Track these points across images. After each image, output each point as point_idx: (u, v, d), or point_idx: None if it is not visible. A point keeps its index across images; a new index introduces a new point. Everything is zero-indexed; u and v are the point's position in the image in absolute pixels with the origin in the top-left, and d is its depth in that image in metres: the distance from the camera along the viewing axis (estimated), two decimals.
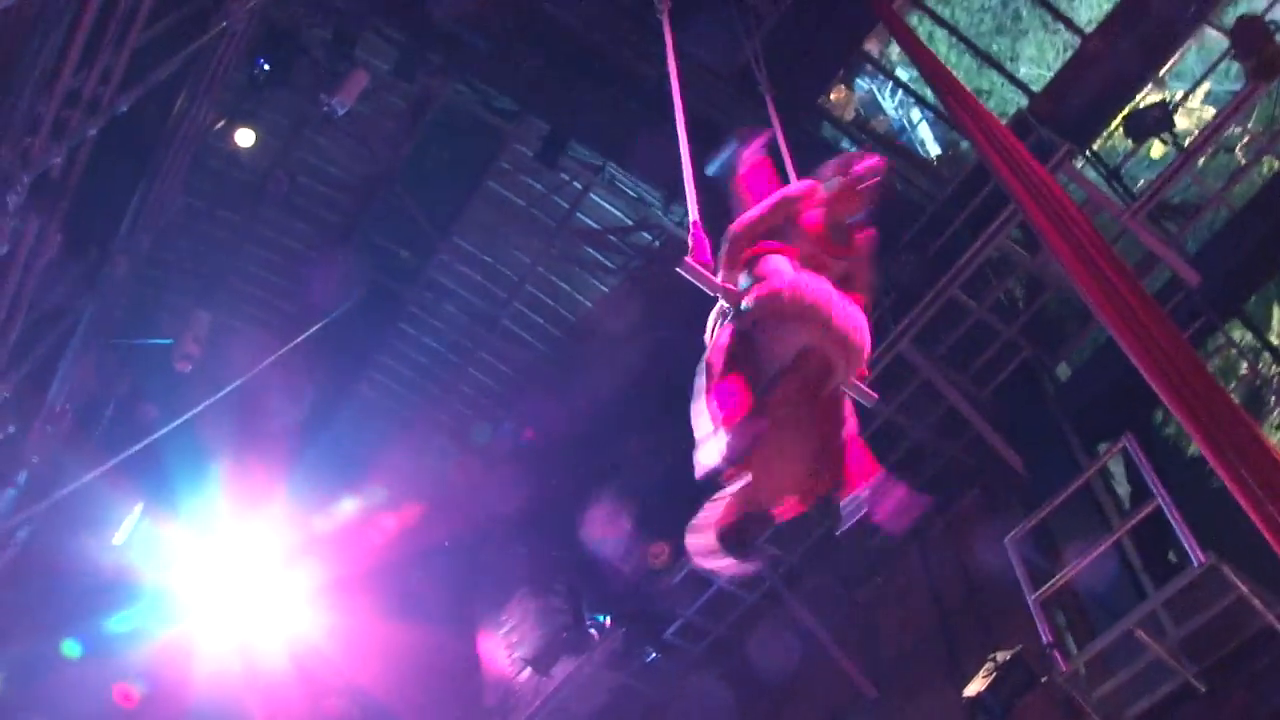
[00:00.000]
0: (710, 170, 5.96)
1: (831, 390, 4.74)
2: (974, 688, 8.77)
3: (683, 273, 4.78)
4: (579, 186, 15.37)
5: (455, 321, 16.98)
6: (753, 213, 5.19)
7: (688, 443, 4.55)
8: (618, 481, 13.40)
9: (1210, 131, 9.78)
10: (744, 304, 4.66)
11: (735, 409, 4.41)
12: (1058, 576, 9.00)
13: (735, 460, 4.33)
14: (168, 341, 13.34)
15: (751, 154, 5.87)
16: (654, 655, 12.38)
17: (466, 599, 14.16)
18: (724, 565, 4.45)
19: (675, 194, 14.74)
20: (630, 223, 15.71)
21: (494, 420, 17.00)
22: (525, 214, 15.69)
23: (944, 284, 11.02)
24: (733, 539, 4.33)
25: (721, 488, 4.44)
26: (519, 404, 16.81)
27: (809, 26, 11.83)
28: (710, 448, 4.39)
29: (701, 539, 4.43)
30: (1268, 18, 9.41)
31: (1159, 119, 9.86)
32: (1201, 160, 11.58)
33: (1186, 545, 8.14)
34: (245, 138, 12.39)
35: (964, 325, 11.31)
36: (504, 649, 13.91)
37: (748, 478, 4.40)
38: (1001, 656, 8.77)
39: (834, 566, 12.61)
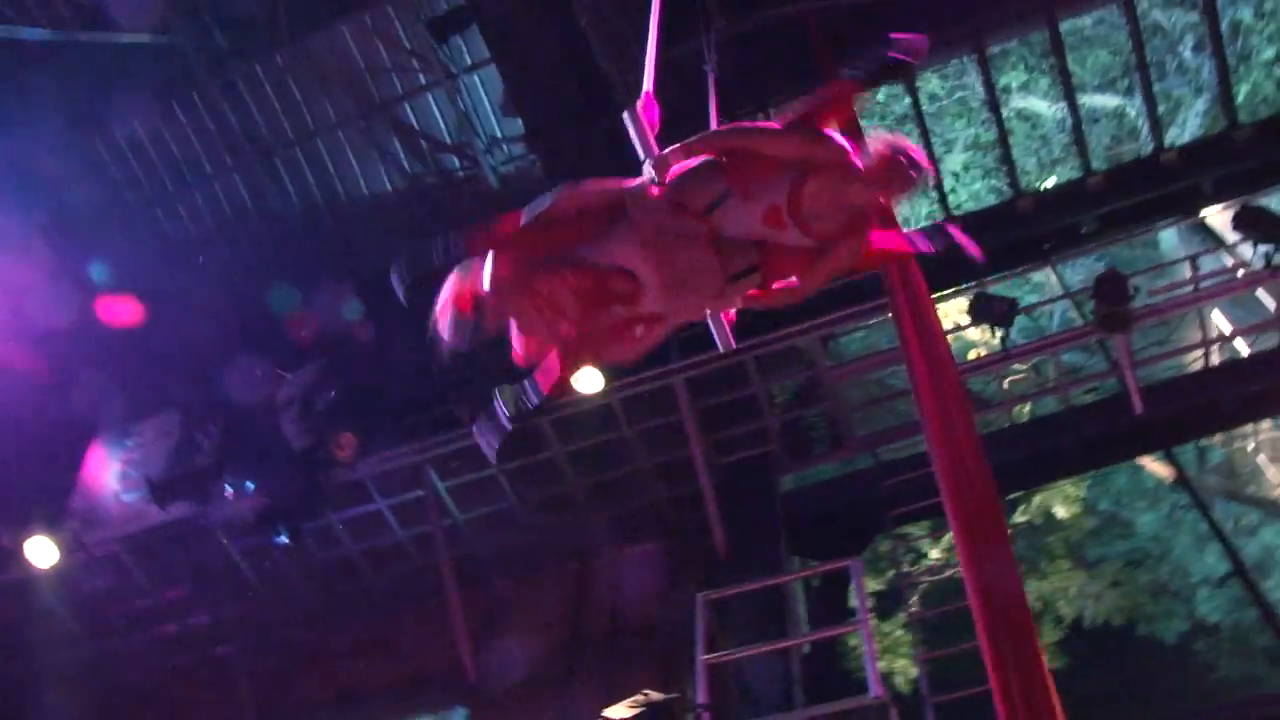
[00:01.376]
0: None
1: None
2: (616, 712, 8.68)
3: (626, 118, 4.56)
4: (422, 80, 14.67)
5: (228, 132, 15.57)
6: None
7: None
8: (326, 358, 12.55)
9: (1036, 346, 10.55)
10: None
11: None
12: (737, 649, 9.15)
13: None
14: None
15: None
16: (282, 541, 11.53)
17: (112, 387, 12.74)
18: None
19: (513, 136, 14.40)
20: (449, 142, 15.10)
21: (213, 240, 15.65)
22: (359, 76, 14.72)
23: (744, 347, 11.17)
24: None
25: None
26: (249, 244, 15.59)
27: (748, 64, 11.85)
28: None
29: None
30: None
31: (1003, 313, 10.46)
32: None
33: (869, 675, 8.45)
34: None
35: (738, 393, 11.50)
36: (121, 459, 12.59)
37: None
38: (655, 696, 8.75)
39: (488, 547, 12.29)
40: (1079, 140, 12.33)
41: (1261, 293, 11.41)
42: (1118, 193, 12.12)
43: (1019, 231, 12.26)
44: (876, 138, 4.28)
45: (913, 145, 4.26)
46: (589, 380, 10.81)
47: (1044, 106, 14.99)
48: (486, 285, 4.09)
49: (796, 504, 11.58)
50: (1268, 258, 10.26)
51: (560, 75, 12.71)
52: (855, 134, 4.38)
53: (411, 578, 12.36)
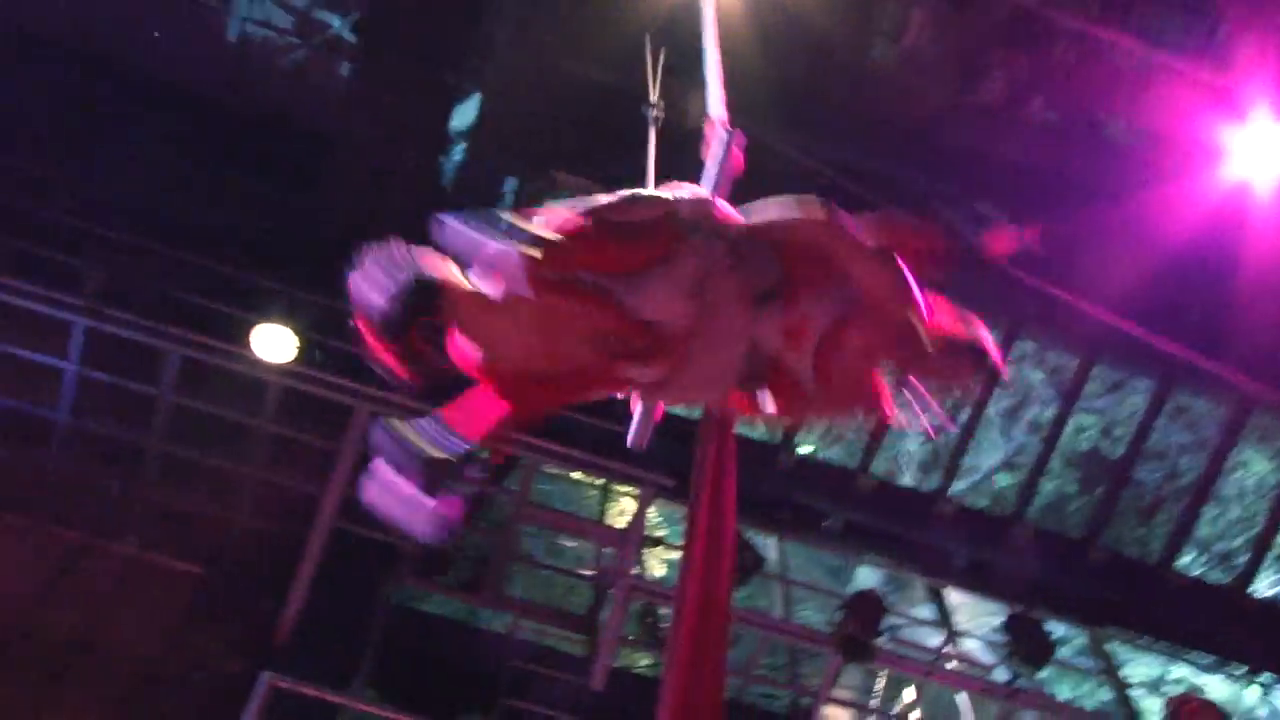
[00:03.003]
0: None
1: None
2: None
3: (720, 135, 3.76)
4: None
5: None
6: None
7: None
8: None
9: (761, 623, 8.99)
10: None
11: None
12: None
13: None
14: None
15: None
16: None
17: None
18: None
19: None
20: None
21: None
22: None
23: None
24: None
25: None
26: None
27: None
28: None
29: None
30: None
31: (750, 565, 8.96)
32: None
33: None
34: None
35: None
36: None
37: None
38: None
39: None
40: (874, 438, 11.28)
41: (963, 697, 10.32)
42: (879, 511, 11.26)
43: (770, 486, 11.00)
44: (951, 311, 3.43)
45: (988, 335, 3.46)
46: (279, 348, 8.42)
47: None
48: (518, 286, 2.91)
49: (400, 624, 9.10)
50: (1014, 677, 9.24)
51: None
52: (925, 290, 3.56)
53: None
